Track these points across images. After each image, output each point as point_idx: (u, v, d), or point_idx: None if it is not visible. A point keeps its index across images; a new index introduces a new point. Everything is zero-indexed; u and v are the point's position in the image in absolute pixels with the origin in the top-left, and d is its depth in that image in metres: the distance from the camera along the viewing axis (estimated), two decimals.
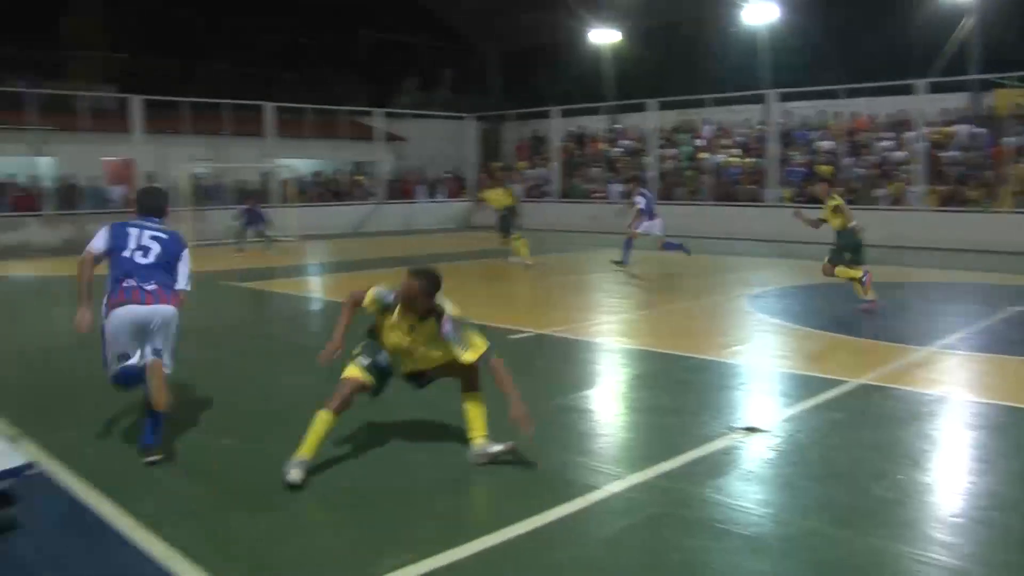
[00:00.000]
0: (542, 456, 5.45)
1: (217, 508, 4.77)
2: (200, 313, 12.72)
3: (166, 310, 5.48)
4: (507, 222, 17.62)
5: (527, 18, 33.57)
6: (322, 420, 5.09)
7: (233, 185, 27.37)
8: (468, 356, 5.15)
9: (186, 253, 5.91)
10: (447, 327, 5.15)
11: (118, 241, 5.77)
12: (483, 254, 20.49)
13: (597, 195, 29.31)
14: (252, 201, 22.48)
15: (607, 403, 7.09)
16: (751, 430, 6.02)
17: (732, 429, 6.06)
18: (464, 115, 34.43)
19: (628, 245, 16.14)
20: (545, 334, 9.71)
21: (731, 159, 27.42)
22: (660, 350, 8.98)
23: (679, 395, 7.12)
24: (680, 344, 9.15)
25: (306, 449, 5.05)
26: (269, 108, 28.08)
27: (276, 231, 23.13)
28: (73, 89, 27.65)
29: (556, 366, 8.31)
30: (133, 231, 5.81)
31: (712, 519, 4.51)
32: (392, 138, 32.90)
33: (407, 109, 34.74)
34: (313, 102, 30.49)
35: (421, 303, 5.16)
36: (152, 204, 6.12)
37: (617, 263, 15.59)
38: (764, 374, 7.93)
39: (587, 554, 4.17)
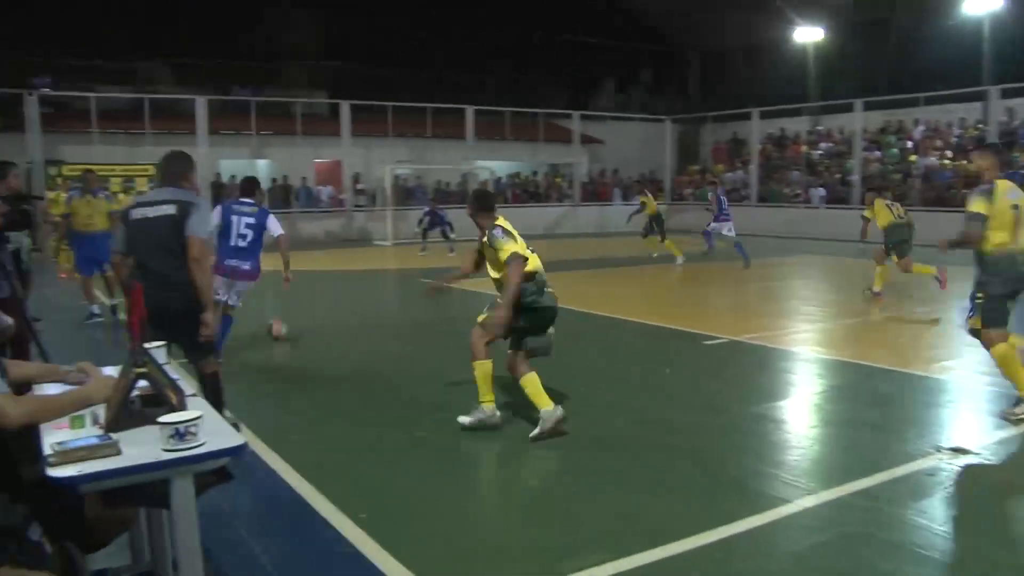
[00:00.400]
0: (733, 465, 5.36)
1: (407, 497, 4.97)
2: (388, 308, 13.33)
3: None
4: (659, 226, 19.65)
5: (727, 18, 32.89)
6: (480, 368, 6.00)
7: (433, 186, 28.34)
8: (502, 255, 5.85)
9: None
10: (495, 231, 5.97)
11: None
12: (675, 257, 20.16)
13: (797, 199, 28.28)
14: (434, 203, 23.00)
15: (802, 414, 6.84)
16: (959, 451, 5.65)
17: (939, 449, 5.70)
18: (661, 117, 34.13)
19: (739, 248, 17.75)
20: (739, 341, 9.50)
21: (944, 162, 25.68)
22: (861, 362, 8.56)
23: (880, 410, 6.76)
24: (883, 356, 8.69)
25: (484, 398, 6.01)
26: (470, 111, 28.97)
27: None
28: (289, 96, 29.62)
29: (750, 374, 8.10)
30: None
31: (912, 543, 4.27)
32: (589, 140, 33.10)
33: (604, 111, 34.81)
34: (512, 105, 31.19)
35: (479, 220, 6.15)
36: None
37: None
38: (976, 392, 7.38)
39: (775, 568, 4.05)
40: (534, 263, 6.04)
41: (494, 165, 30.29)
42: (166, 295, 5.04)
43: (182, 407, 3.08)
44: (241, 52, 31.51)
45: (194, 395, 3.43)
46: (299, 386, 7.71)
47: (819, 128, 31.08)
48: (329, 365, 8.75)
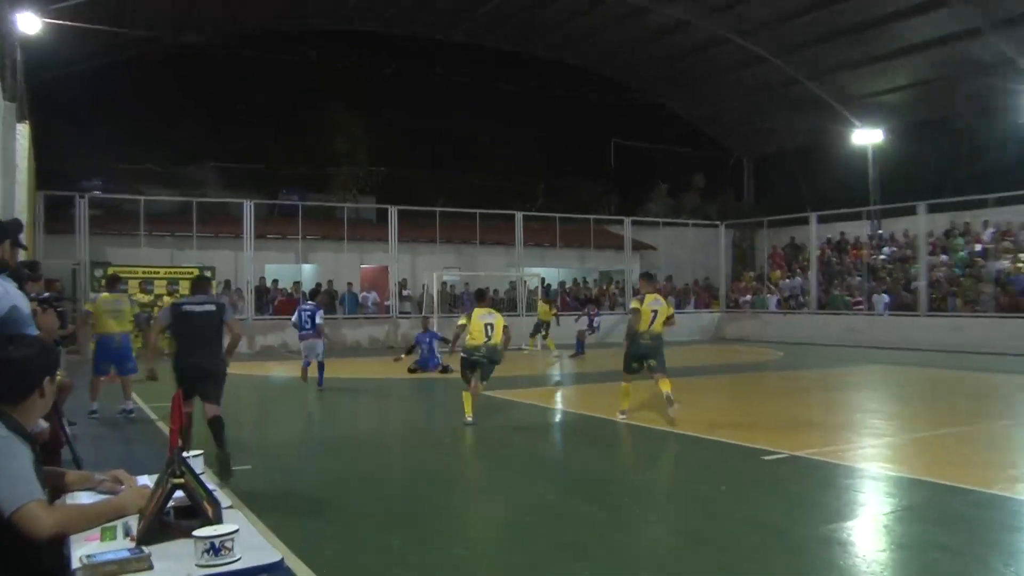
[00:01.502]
0: None
1: None
2: (432, 417, 13.21)
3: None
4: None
5: (781, 121, 33.22)
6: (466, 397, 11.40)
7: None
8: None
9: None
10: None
11: None
12: (734, 368, 20.20)
13: (858, 306, 27.94)
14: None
15: (871, 536, 6.58)
16: None
17: None
18: (715, 222, 34.22)
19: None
20: (801, 456, 9.27)
21: (1019, 265, 25.23)
22: (934, 480, 8.21)
23: (957, 533, 6.48)
24: (958, 474, 8.34)
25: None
26: (518, 217, 29.29)
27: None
28: (336, 201, 30.29)
29: (814, 492, 7.86)
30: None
31: None
32: (640, 246, 33.25)
33: (656, 217, 35.06)
34: (562, 210, 31.53)
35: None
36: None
37: None
38: None
39: None
40: (472, 328, 11.53)
41: (543, 272, 30.47)
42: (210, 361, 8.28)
43: (218, 520, 3.05)
44: (289, 156, 32.50)
45: (231, 507, 3.40)
46: (337, 497, 7.67)
47: (880, 232, 30.92)
48: (368, 475, 8.68)
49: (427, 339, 18.89)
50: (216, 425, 8.08)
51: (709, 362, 21.93)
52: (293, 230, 26.88)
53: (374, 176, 33.59)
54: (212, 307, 8.39)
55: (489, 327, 11.45)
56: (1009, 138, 27.82)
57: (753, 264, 35.03)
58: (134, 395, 12.51)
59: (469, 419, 11.36)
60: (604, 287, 32.14)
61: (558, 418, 12.98)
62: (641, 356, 11.50)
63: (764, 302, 30.87)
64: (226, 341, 8.44)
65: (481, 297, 12.36)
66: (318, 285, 25.47)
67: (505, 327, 11.62)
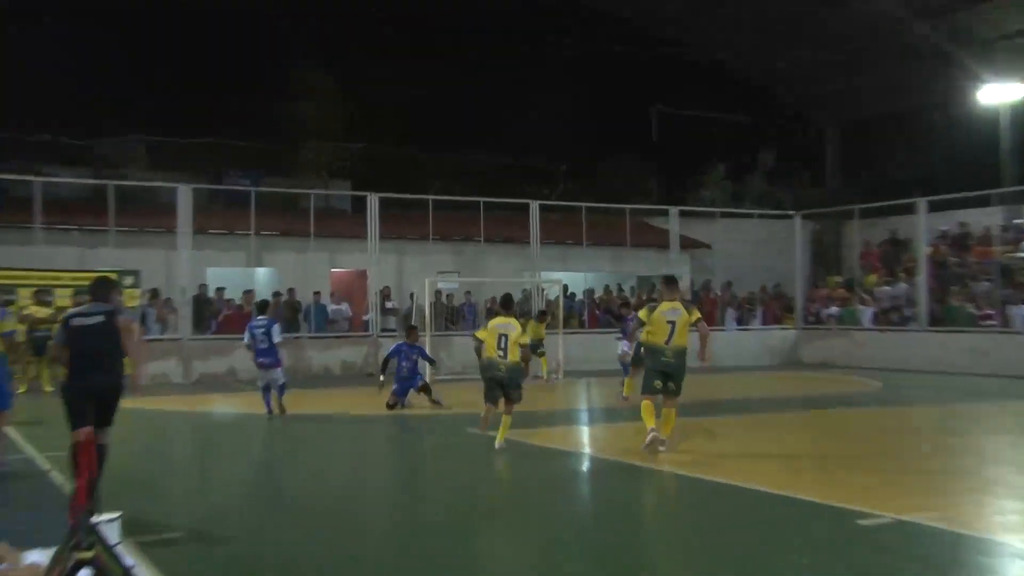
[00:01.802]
0: None
1: None
2: (433, 468, 13.07)
3: None
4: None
5: (878, 77, 32.73)
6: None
7: (487, 304, 28.10)
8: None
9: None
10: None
11: None
12: (815, 402, 20.09)
13: (986, 321, 27.36)
14: None
15: None
16: None
17: None
18: (789, 212, 33.88)
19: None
20: (911, 521, 8.94)
21: None
22: None
23: None
24: None
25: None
26: (535, 207, 28.89)
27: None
28: (300, 186, 30.04)
29: (932, 573, 7.56)
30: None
31: None
32: (691, 244, 32.95)
33: (711, 206, 34.59)
34: (590, 199, 31.27)
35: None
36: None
37: None
38: None
39: None
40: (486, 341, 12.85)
41: (566, 277, 30.09)
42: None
43: None
44: (238, 127, 32.27)
45: None
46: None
47: (1017, 222, 30.41)
48: (340, 552, 8.32)
49: (412, 353, 18.46)
50: (103, 453, 8.49)
51: (781, 394, 21.76)
52: (244, 223, 26.53)
53: (350, 154, 33.33)
54: (101, 317, 8.74)
55: (503, 339, 12.70)
56: None
57: (839, 266, 34.61)
58: (17, 438, 12.16)
59: (497, 445, 12.76)
60: (643, 296, 31.56)
61: (585, 466, 13.03)
62: (665, 375, 12.41)
63: (855, 315, 30.41)
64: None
65: (507, 305, 13.61)
66: (275, 295, 25.17)
67: (523, 345, 12.95)
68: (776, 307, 32.67)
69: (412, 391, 18.22)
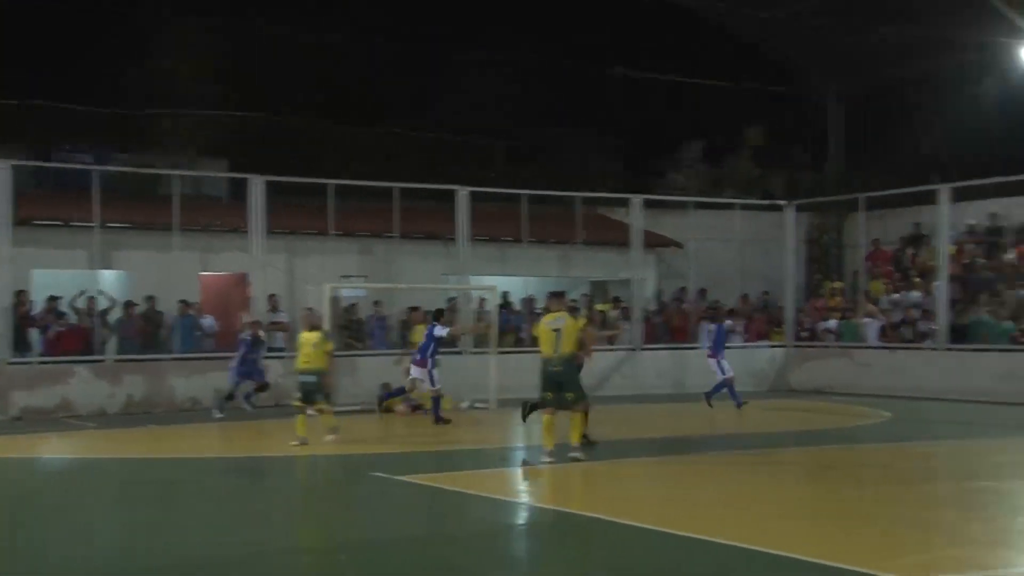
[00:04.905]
0: None
1: None
2: (346, 520, 13.11)
3: None
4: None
5: (891, 33, 32.87)
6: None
7: (400, 316, 27.76)
8: None
9: None
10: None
11: None
12: (809, 438, 20.33)
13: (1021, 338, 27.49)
14: None
15: None
16: None
17: None
18: (779, 202, 33.97)
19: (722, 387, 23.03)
20: None
21: None
22: None
23: None
24: None
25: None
26: (463, 195, 28.54)
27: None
28: (159, 165, 29.53)
29: None
30: None
31: None
32: (658, 242, 32.99)
33: (684, 194, 34.55)
34: (534, 185, 31.05)
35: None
36: None
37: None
38: None
39: None
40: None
41: (502, 282, 29.86)
42: None
43: None
44: (76, 89, 31.80)
45: None
46: None
47: None
48: None
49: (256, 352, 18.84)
50: None
51: (767, 428, 21.88)
52: (84, 212, 25.93)
53: (225, 125, 32.95)
54: None
55: (558, 334, 15.40)
56: None
57: (841, 270, 34.72)
58: None
59: (546, 452, 15.21)
60: (597, 306, 31.40)
61: (522, 518, 13.05)
62: (556, 383, 15.40)
63: (858, 330, 30.48)
64: None
65: (558, 297, 16.55)
66: (128, 305, 24.74)
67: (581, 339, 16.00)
68: (762, 320, 32.61)
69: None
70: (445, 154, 33.69)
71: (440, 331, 21.84)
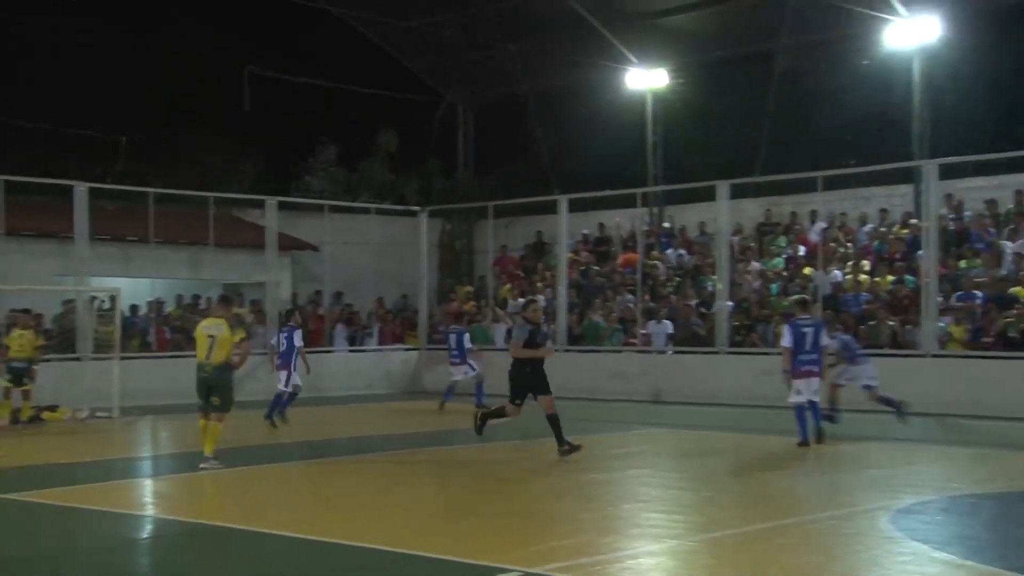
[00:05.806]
0: None
1: None
2: None
3: None
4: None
5: (516, 51, 33.77)
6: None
7: (5, 321, 26.51)
8: None
9: None
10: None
11: None
12: (441, 438, 20.92)
13: (629, 340, 28.81)
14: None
15: None
16: None
17: None
18: (413, 208, 34.50)
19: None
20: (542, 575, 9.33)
21: (859, 276, 26.67)
22: None
23: None
24: None
25: None
26: (81, 192, 27.58)
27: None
28: None
29: None
30: None
31: None
32: (294, 244, 33.00)
33: (319, 197, 34.59)
34: (160, 183, 30.51)
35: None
36: None
37: None
38: None
39: None
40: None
41: (126, 284, 29.04)
42: None
43: None
44: None
45: None
46: None
47: (665, 225, 32.17)
48: None
49: None
50: None
51: (400, 430, 22.58)
52: None
53: None
54: None
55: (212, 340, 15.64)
56: (854, 87, 29.68)
57: (472, 275, 35.47)
58: None
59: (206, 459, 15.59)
60: (235, 310, 31.05)
61: (147, 531, 12.49)
62: (208, 388, 15.63)
63: (487, 334, 30.95)
64: None
65: (225, 303, 17.44)
66: None
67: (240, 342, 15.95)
68: (396, 324, 33.02)
69: None
70: (62, 147, 32.58)
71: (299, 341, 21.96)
